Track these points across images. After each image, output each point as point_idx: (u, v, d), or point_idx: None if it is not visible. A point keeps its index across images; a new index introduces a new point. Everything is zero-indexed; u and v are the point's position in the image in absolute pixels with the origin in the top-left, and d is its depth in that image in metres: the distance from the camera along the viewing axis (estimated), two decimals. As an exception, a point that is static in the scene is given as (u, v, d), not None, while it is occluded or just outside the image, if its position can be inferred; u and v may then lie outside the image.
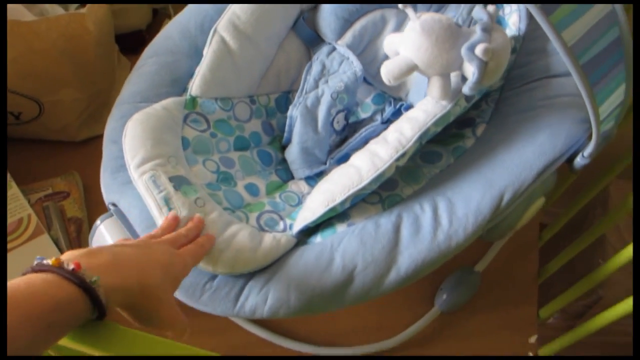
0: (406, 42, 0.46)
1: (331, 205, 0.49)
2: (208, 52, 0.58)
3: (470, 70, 0.44)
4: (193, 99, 0.58)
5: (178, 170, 0.52)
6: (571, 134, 0.51)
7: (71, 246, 0.70)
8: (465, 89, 0.45)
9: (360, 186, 0.48)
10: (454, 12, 0.58)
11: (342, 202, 0.49)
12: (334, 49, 0.63)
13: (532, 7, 0.35)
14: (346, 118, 0.61)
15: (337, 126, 0.60)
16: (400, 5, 0.47)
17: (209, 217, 0.49)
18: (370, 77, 0.65)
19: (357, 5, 0.61)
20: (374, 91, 0.65)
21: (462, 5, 0.57)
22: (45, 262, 0.33)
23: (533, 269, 0.77)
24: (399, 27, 0.64)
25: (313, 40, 0.64)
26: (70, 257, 0.34)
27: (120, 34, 0.86)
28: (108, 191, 0.54)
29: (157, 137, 0.52)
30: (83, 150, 0.82)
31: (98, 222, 0.53)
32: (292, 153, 0.59)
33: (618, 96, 0.45)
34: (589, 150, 0.49)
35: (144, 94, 0.58)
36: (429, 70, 0.46)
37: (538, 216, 0.81)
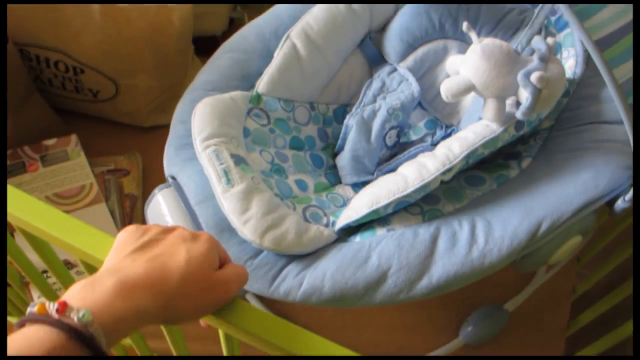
0: (467, 62, 0.49)
1: (375, 207, 0.52)
2: (279, 55, 0.63)
3: (525, 96, 0.47)
4: (258, 96, 0.63)
5: (238, 150, 0.56)
6: (615, 177, 0.53)
7: (124, 220, 0.75)
8: (518, 114, 0.48)
9: (405, 193, 0.51)
10: (515, 41, 0.62)
11: (386, 206, 0.52)
12: (395, 69, 0.66)
13: (588, 43, 0.38)
14: (398, 135, 0.64)
15: (389, 141, 0.63)
16: (464, 26, 0.51)
17: (263, 194, 0.52)
18: (425, 102, 0.68)
19: (423, 32, 0.65)
20: (428, 116, 0.68)
21: (522, 34, 0.61)
22: (34, 309, 0.31)
23: (563, 319, 0.77)
24: (460, 60, 0.67)
25: (376, 60, 0.68)
26: (68, 294, 0.32)
27: (197, 36, 0.92)
28: (169, 165, 0.58)
29: (223, 119, 0.57)
30: (147, 136, 0.88)
31: (156, 191, 0.58)
32: (343, 159, 0.63)
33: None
34: (629, 194, 0.51)
35: (216, 83, 0.63)
36: (485, 91, 0.49)
37: (573, 267, 0.81)
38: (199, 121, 0.57)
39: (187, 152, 0.58)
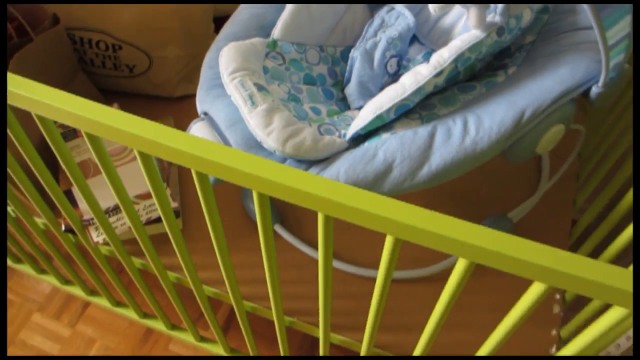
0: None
1: (378, 112, 0.60)
2: (289, 4, 0.72)
3: (498, -3, 0.55)
4: (274, 41, 0.72)
5: (260, 81, 0.65)
6: (589, 69, 0.60)
7: (163, 172, 0.85)
8: (497, 17, 0.56)
9: (403, 96, 0.59)
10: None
11: (388, 110, 0.60)
12: (393, 8, 0.75)
13: None
14: (398, 64, 0.72)
15: (390, 69, 0.72)
16: None
17: (283, 112, 0.61)
18: (422, 37, 0.76)
19: (415, -25, 0.74)
20: (425, 49, 0.76)
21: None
22: None
23: (566, 225, 0.84)
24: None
25: (377, 3, 0.77)
26: None
27: (216, 16, 1.03)
28: (202, 102, 0.68)
29: (246, 57, 0.66)
30: (178, 105, 0.99)
31: (191, 124, 0.67)
32: (351, 86, 0.71)
33: (624, 27, 0.54)
34: (602, 78, 0.58)
35: (237, 34, 0.72)
36: (465, -1, 0.57)
37: (573, 183, 0.88)
38: (225, 61, 0.67)
39: (217, 91, 0.67)
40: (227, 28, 0.74)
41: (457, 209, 0.85)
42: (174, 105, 0.99)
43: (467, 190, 0.88)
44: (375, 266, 0.80)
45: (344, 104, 0.73)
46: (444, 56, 0.59)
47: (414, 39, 0.77)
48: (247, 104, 0.62)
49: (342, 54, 0.77)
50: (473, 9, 0.58)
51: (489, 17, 0.60)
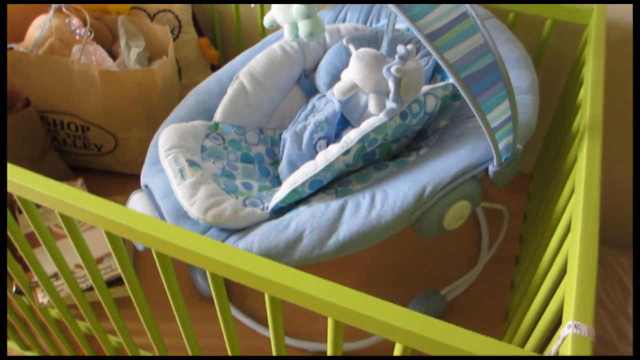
0: (349, 67, 0.65)
1: (294, 186, 0.66)
2: (229, 91, 0.80)
3: (391, 86, 0.62)
4: (216, 124, 0.79)
5: (194, 157, 0.72)
6: (487, 151, 0.66)
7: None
8: (389, 101, 0.63)
9: (315, 172, 0.65)
10: (385, 50, 0.78)
11: (302, 185, 0.66)
12: (324, 95, 0.83)
13: (421, 37, 0.53)
14: (327, 145, 0.79)
15: (320, 150, 0.78)
16: (344, 41, 0.67)
17: (209, 185, 0.67)
18: (353, 120, 0.83)
19: (343, 64, 0.82)
20: (357, 132, 0.83)
21: (383, 42, 0.77)
22: None
23: (502, 308, 0.86)
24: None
25: (312, 91, 0.85)
26: None
27: (185, 84, 1.12)
28: (144, 176, 0.74)
29: (183, 137, 0.74)
30: (142, 181, 1.05)
31: (132, 194, 0.73)
32: (281, 165, 0.77)
33: (505, 111, 0.60)
34: (495, 159, 0.63)
35: (182, 117, 0.80)
36: (365, 87, 0.65)
37: (514, 249, 0.91)
38: (164, 139, 0.74)
39: (158, 166, 0.74)
40: (175, 112, 0.81)
41: (396, 284, 0.88)
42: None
43: (408, 265, 0.91)
44: (314, 339, 0.82)
45: (278, 181, 0.79)
46: (351, 137, 0.66)
47: (347, 122, 0.84)
48: (177, 177, 0.68)
49: (280, 136, 0.84)
50: (372, 96, 0.65)
51: (389, 103, 0.66)
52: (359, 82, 0.65)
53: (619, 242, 1.07)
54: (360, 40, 0.82)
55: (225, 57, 1.25)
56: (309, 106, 0.82)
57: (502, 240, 0.92)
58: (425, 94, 0.69)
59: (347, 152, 0.66)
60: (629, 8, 0.86)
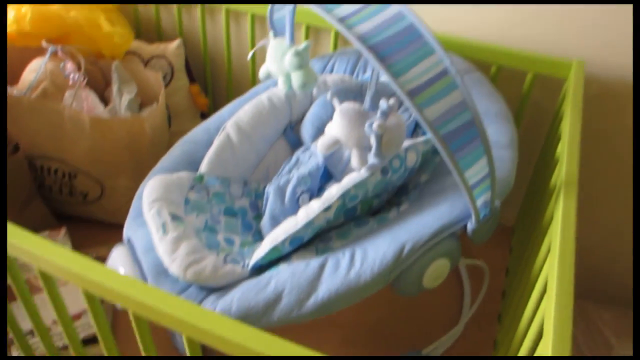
0: (332, 122, 0.66)
1: (274, 244, 0.66)
2: (215, 142, 0.81)
3: (373, 142, 0.63)
4: (201, 176, 0.80)
5: (177, 211, 0.72)
6: (466, 207, 0.66)
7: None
8: (371, 157, 0.64)
9: (295, 229, 0.66)
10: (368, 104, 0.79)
11: (283, 242, 0.66)
12: (308, 148, 0.84)
13: (402, 93, 0.54)
14: (310, 199, 0.79)
15: (302, 204, 0.78)
16: (328, 96, 0.68)
17: (190, 241, 0.67)
18: (337, 174, 0.84)
19: (329, 117, 0.82)
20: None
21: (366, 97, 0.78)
22: None
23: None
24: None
25: (297, 144, 0.86)
26: None
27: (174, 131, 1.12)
28: (127, 229, 0.74)
29: (168, 189, 0.74)
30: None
31: (113, 248, 0.73)
32: (264, 220, 0.78)
33: (482, 168, 0.61)
34: (473, 216, 0.64)
35: (167, 168, 0.80)
36: (348, 142, 0.66)
37: (496, 308, 0.90)
38: (148, 192, 0.74)
39: (142, 219, 0.74)
40: (161, 162, 0.82)
41: (377, 343, 0.87)
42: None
43: (389, 323, 0.90)
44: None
45: (261, 236, 0.79)
46: (332, 193, 0.66)
47: (331, 175, 0.85)
48: (158, 232, 0.68)
49: (264, 189, 0.84)
50: (355, 151, 0.65)
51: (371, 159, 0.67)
52: (342, 137, 0.66)
53: (600, 296, 1.07)
54: (346, 92, 0.84)
55: (216, 104, 1.26)
56: (293, 159, 0.83)
57: (484, 296, 0.92)
58: (406, 149, 0.70)
59: (328, 209, 0.66)
60: (607, 61, 0.87)
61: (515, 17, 0.90)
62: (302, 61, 0.67)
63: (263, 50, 0.80)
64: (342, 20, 0.55)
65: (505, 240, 1.04)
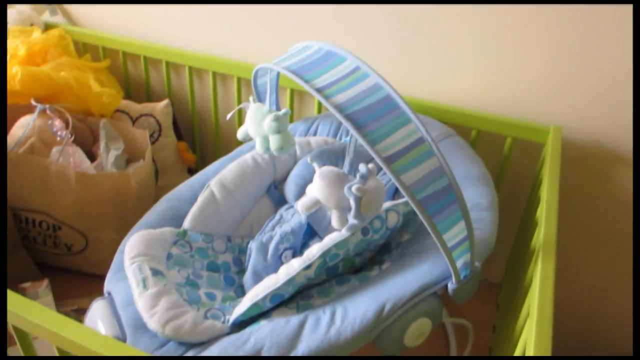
0: (313, 184, 0.68)
1: (254, 300, 0.66)
2: (199, 199, 0.82)
3: (352, 204, 0.64)
4: (185, 231, 0.80)
5: (159, 266, 0.72)
6: (448, 267, 0.67)
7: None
8: (350, 218, 0.65)
9: (276, 286, 0.66)
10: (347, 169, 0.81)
11: (263, 299, 0.66)
12: (292, 206, 0.85)
13: (379, 160, 0.56)
14: (294, 255, 0.80)
15: (285, 260, 0.79)
16: (308, 159, 0.70)
17: (171, 296, 0.67)
18: (321, 232, 0.85)
19: (311, 177, 0.84)
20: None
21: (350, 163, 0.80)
22: None
23: None
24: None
25: (280, 202, 0.88)
26: None
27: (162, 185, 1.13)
28: (108, 282, 0.74)
29: (149, 244, 0.74)
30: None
31: (93, 302, 0.72)
32: (246, 275, 0.78)
33: (461, 230, 0.62)
34: (453, 276, 0.64)
35: (151, 223, 0.81)
36: (328, 204, 0.67)
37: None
38: (130, 246, 0.74)
39: (123, 273, 0.74)
40: (145, 217, 0.83)
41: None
42: (107, 283, 1.04)
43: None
44: None
45: (243, 291, 0.79)
46: (313, 252, 0.67)
47: (314, 232, 0.86)
48: (139, 287, 0.68)
49: (248, 245, 0.85)
50: (335, 212, 0.67)
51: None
52: (322, 199, 0.67)
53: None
54: (329, 154, 0.86)
55: (203, 160, 1.28)
56: (277, 216, 0.84)
57: (472, 352, 0.91)
58: (387, 210, 0.72)
59: (308, 267, 0.67)
60: (585, 127, 0.91)
61: (494, 82, 0.94)
62: (281, 126, 0.70)
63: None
64: (320, 90, 0.57)
65: (493, 297, 1.04)
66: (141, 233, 0.76)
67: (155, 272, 0.71)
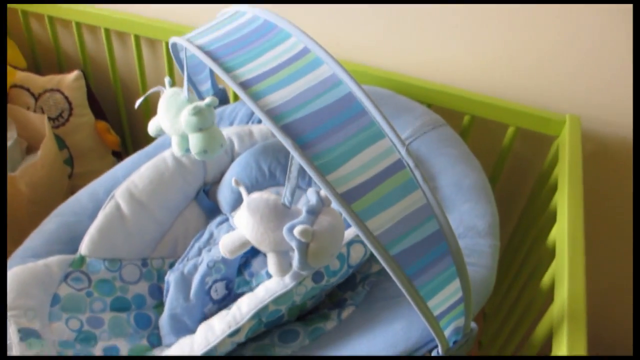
0: (240, 218, 0.47)
1: (161, 379, 0.46)
2: (100, 215, 0.61)
3: (296, 252, 0.44)
4: (82, 258, 0.60)
5: (33, 323, 0.52)
6: (428, 329, 0.48)
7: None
8: (295, 268, 0.45)
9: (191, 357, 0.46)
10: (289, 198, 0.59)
11: (173, 376, 0.46)
12: (225, 219, 0.64)
13: (332, 197, 0.35)
14: (228, 287, 0.60)
15: (215, 295, 0.59)
16: (232, 182, 0.49)
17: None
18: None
19: (253, 181, 0.64)
20: (270, 265, 0.65)
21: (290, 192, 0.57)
22: None
23: None
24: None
25: (213, 211, 0.67)
26: None
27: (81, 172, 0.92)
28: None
29: (22, 290, 0.54)
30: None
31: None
32: (162, 318, 0.58)
33: (455, 292, 0.43)
34: (440, 347, 0.45)
35: (36, 249, 0.60)
36: (261, 246, 0.47)
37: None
38: (7, 292, 0.54)
39: None
40: (29, 241, 0.62)
41: None
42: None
43: None
44: None
45: (159, 337, 0.59)
46: (242, 310, 0.47)
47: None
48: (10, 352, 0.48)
49: (171, 267, 0.65)
50: (271, 256, 0.46)
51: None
52: (253, 240, 0.47)
53: None
54: (276, 151, 0.65)
55: (135, 141, 1.05)
56: (205, 235, 0.63)
57: None
58: (349, 243, 0.52)
59: (236, 332, 0.47)
60: (605, 116, 0.71)
61: (495, 58, 0.72)
62: (203, 122, 0.48)
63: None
64: (245, 85, 0.38)
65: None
66: (15, 272, 0.55)
67: (29, 334, 0.50)
